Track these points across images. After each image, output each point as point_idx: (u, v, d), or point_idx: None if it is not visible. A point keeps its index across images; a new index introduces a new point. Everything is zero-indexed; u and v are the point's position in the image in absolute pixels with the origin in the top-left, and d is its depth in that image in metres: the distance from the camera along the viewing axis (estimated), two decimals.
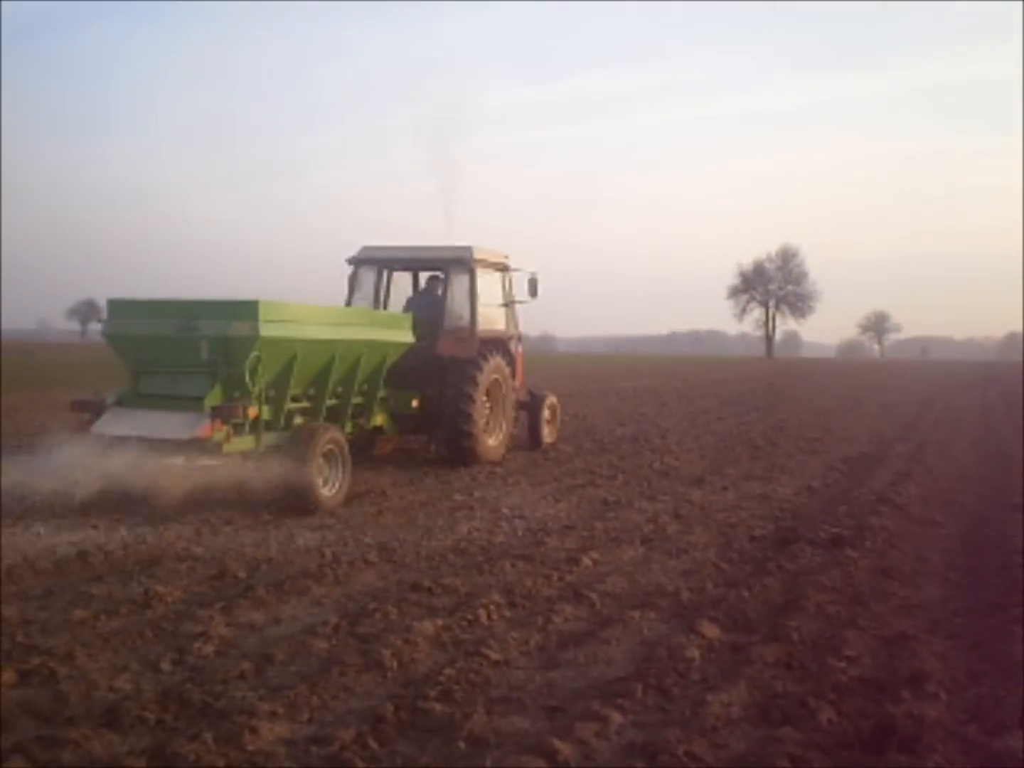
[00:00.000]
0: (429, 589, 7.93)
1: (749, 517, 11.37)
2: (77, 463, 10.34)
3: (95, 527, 9.98)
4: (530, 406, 17.37)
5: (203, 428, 10.30)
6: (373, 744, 5.03)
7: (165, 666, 6.10)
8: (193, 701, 5.48)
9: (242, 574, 8.34)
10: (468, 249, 15.42)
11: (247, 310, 10.61)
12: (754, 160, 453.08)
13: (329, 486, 11.45)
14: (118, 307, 11.54)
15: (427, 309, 15.31)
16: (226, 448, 10.52)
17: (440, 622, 7.01)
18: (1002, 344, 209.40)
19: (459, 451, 14.94)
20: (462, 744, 5.03)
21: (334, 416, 12.56)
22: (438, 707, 5.50)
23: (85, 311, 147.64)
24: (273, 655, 6.29)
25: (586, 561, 8.98)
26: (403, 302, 16.33)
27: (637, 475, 14.57)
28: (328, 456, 11.43)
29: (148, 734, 5.11)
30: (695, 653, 6.46)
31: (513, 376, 16.29)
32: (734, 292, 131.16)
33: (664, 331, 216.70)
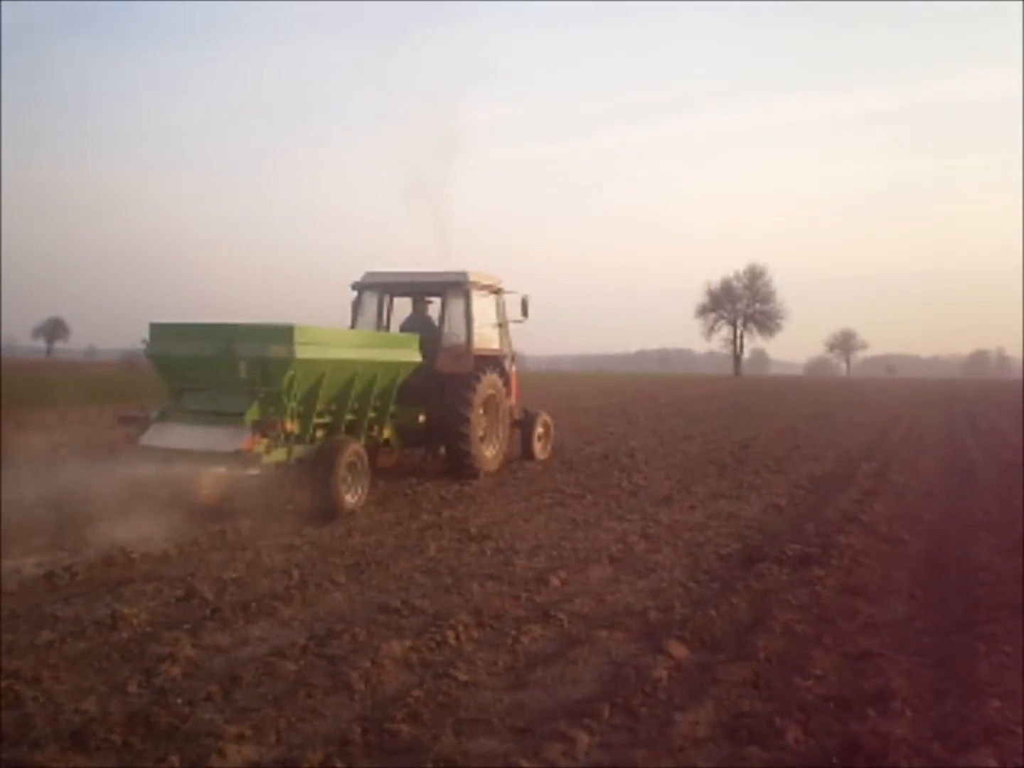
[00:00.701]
0: (397, 610, 7.94)
1: (716, 536, 11.42)
2: (127, 473, 11.50)
3: (63, 549, 9.93)
4: (524, 423, 18.38)
5: (246, 441, 11.27)
6: (340, 766, 5.03)
7: (132, 688, 6.08)
8: (160, 723, 5.47)
9: (209, 596, 8.30)
10: (464, 274, 16.40)
11: (284, 334, 11.67)
12: (723, 179, 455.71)
13: (352, 493, 12.51)
14: (160, 330, 12.42)
15: (424, 329, 16.10)
16: (264, 460, 11.51)
17: (408, 643, 7.01)
18: (968, 362, 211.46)
19: (458, 462, 15.77)
20: (430, 766, 5.04)
21: (352, 430, 13.55)
22: (406, 729, 5.51)
23: (51, 329, 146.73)
24: (240, 677, 6.27)
25: (554, 581, 9.00)
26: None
27: (605, 494, 14.60)
28: (351, 467, 12.49)
29: (115, 757, 5.10)
30: (662, 673, 6.48)
31: (508, 392, 17.25)
32: (702, 310, 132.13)
33: (633, 349, 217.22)
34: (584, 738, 5.40)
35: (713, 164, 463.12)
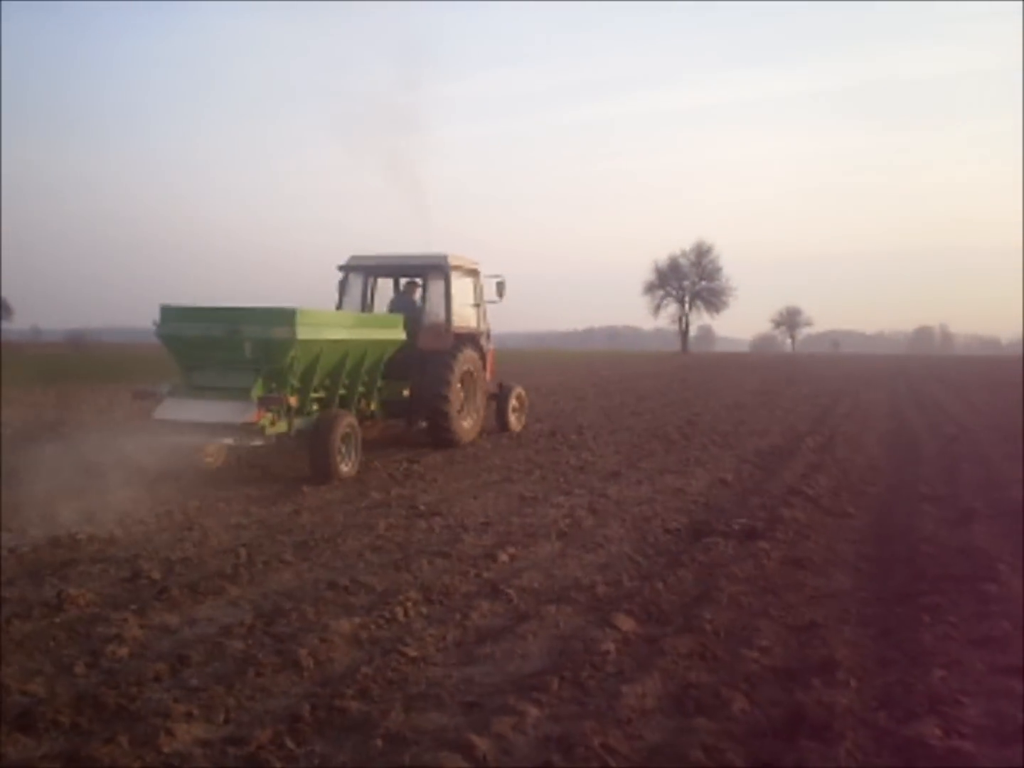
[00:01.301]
0: (346, 588, 7.93)
1: (664, 510, 11.50)
2: (142, 442, 12.59)
3: (9, 530, 9.82)
4: (500, 397, 19.60)
5: (253, 414, 12.42)
6: (290, 744, 5.03)
7: (79, 669, 6.03)
8: (108, 704, 5.43)
9: (156, 575, 8.24)
10: (444, 257, 17.44)
11: (287, 316, 12.70)
12: (668, 157, 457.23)
13: (346, 462, 13.68)
14: (170, 312, 13.37)
15: (408, 310, 17.17)
16: (268, 432, 12.71)
17: (357, 620, 7.01)
18: (912, 338, 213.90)
19: (438, 433, 16.90)
20: (379, 742, 5.05)
21: (344, 403, 14.66)
22: (355, 705, 5.52)
23: None
24: (188, 656, 6.25)
25: (503, 557, 9.03)
26: (385, 304, 18.32)
27: (554, 470, 14.67)
28: (345, 438, 13.64)
29: (62, 738, 5.07)
30: (610, 646, 6.53)
31: (484, 368, 18.46)
32: (650, 288, 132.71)
33: (581, 327, 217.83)
34: (533, 711, 5.43)
35: (660, 142, 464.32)
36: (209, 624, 7.08)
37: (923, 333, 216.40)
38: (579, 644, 6.57)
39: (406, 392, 16.44)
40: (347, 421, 13.72)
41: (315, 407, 13.94)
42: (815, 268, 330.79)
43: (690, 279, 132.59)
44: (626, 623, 7.03)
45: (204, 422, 12.55)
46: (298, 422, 13.29)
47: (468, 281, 18.46)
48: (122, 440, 12.95)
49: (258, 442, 13.10)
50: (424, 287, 17.73)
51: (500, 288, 18.91)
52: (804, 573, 8.70)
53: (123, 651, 6.38)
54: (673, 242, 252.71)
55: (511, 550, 9.29)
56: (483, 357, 18.42)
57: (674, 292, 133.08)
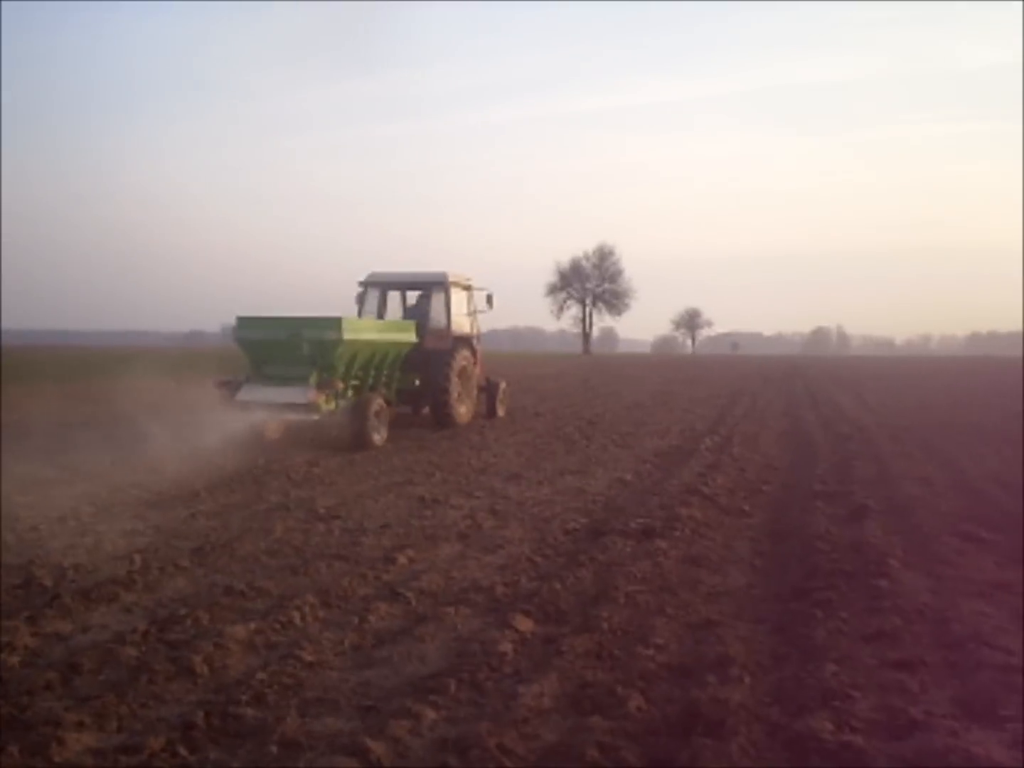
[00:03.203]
0: (242, 592, 7.83)
1: (563, 511, 11.57)
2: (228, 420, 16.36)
3: None
4: (487, 389, 23.61)
5: (313, 395, 16.41)
6: (183, 751, 4.97)
7: None
8: None
9: (48, 582, 8.08)
10: (445, 274, 21.55)
11: (335, 323, 16.83)
12: (572, 160, 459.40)
13: (378, 435, 17.58)
14: (245, 321, 17.44)
15: (418, 317, 21.01)
16: (322, 409, 16.65)
17: (253, 625, 6.93)
18: (809, 339, 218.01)
19: (441, 416, 20.88)
20: (274, 748, 5.01)
21: (372, 391, 18.36)
22: (250, 711, 5.46)
23: None
24: (80, 664, 6.14)
25: (402, 559, 8.99)
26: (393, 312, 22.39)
27: (455, 472, 14.66)
28: (378, 414, 17.63)
29: None
30: (508, 647, 6.55)
31: (475, 364, 22.48)
32: (552, 290, 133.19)
33: (484, 329, 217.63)
34: (430, 714, 5.42)
35: (563, 145, 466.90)
36: (102, 631, 6.96)
37: (820, 334, 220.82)
38: (477, 645, 6.58)
39: (417, 382, 20.27)
40: (379, 402, 17.75)
41: (351, 393, 17.66)
42: (716, 271, 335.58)
43: (592, 281, 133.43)
44: (524, 623, 7.05)
45: (276, 402, 16.54)
46: (342, 403, 17.22)
47: (463, 294, 22.48)
48: None
49: (315, 417, 16.69)
50: (428, 299, 21.62)
51: (489, 300, 23.28)
52: (701, 571, 8.82)
53: (14, 660, 6.25)
54: (575, 244, 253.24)
55: (410, 552, 9.26)
56: (475, 356, 22.38)
57: (576, 294, 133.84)
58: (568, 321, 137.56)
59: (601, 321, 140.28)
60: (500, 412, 23.80)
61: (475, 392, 22.70)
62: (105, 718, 5.36)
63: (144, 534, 10.11)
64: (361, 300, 21.83)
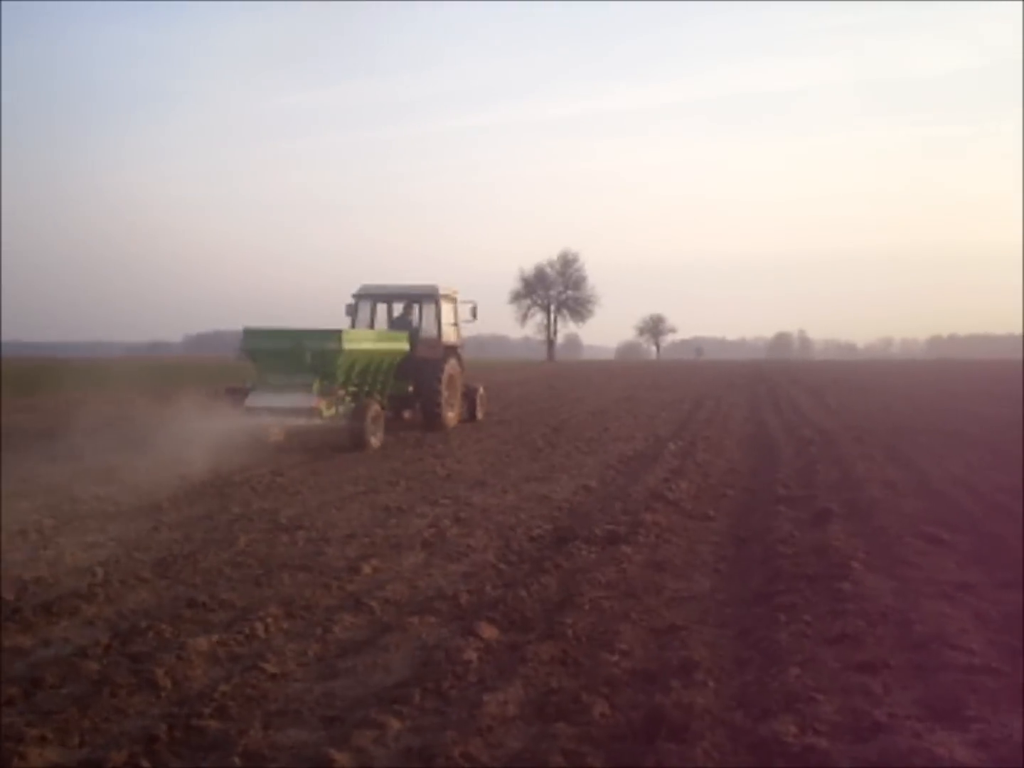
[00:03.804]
0: (205, 604, 7.78)
1: (528, 518, 11.58)
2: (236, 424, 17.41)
3: None
4: (467, 394, 24.56)
5: (316, 401, 17.51)
6: (146, 765, 4.92)
7: None
8: None
9: (9, 596, 7.98)
10: (434, 287, 22.98)
11: (336, 334, 18.03)
12: (535, 167, 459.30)
13: (375, 438, 18.64)
14: (252, 333, 18.46)
15: (409, 327, 22.66)
16: (324, 414, 17.70)
17: (216, 638, 6.88)
18: (771, 344, 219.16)
19: (431, 420, 22.13)
20: (238, 760, 4.96)
21: (368, 396, 19.46)
22: (213, 724, 5.42)
23: None
24: (42, 679, 6.07)
25: (366, 569, 8.96)
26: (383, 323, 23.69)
27: (419, 480, 14.64)
28: (375, 419, 18.73)
29: None
30: (472, 655, 6.53)
31: (462, 372, 23.79)
32: (516, 297, 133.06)
33: None
34: (394, 723, 5.40)
35: (526, 153, 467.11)
36: (64, 645, 6.89)
37: (782, 339, 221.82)
38: (442, 654, 6.56)
39: (410, 388, 21.77)
40: (376, 407, 18.95)
41: (349, 399, 18.70)
42: (679, 277, 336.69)
43: (556, 288, 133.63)
44: (489, 631, 7.04)
45: (282, 407, 17.56)
46: (342, 408, 18.32)
47: (451, 306, 23.76)
48: None
49: (317, 421, 17.73)
50: (420, 310, 23.30)
51: (474, 311, 24.41)
52: (665, 576, 8.85)
53: None
54: (539, 251, 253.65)
55: (374, 562, 9.23)
56: (461, 364, 23.67)
57: (540, 301, 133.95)
58: (532, 328, 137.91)
59: (565, 328, 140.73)
60: (479, 415, 25.03)
61: (460, 398, 23.89)
62: (67, 732, 5.31)
63: (106, 546, 10.03)
64: (353, 311, 22.87)
